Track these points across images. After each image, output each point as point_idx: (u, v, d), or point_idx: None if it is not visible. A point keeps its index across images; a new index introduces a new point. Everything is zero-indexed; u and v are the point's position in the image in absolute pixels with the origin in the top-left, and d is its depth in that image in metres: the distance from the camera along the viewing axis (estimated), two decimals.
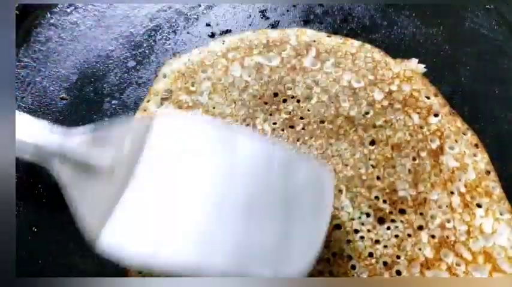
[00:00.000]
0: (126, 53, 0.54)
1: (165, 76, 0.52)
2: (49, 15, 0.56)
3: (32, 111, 0.51)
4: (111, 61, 0.54)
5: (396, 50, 0.54)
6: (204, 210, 0.38)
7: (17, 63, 0.52)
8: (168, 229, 0.37)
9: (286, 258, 0.37)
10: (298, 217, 0.39)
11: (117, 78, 0.53)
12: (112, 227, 0.36)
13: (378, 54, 0.52)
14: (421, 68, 0.52)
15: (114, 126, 0.41)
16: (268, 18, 0.56)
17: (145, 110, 0.50)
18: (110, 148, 0.40)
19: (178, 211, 0.38)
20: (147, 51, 0.54)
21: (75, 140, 0.41)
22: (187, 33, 0.55)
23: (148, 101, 0.50)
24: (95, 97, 0.52)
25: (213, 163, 0.40)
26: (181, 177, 0.39)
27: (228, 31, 0.55)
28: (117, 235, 0.36)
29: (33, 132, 0.41)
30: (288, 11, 0.57)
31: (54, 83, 0.52)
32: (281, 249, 0.37)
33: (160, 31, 0.56)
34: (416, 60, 0.52)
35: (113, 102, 0.52)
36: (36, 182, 0.47)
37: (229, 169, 0.39)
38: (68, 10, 0.57)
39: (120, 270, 0.42)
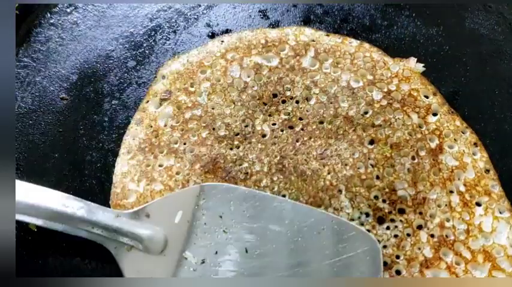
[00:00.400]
0: (126, 53, 0.54)
1: (163, 77, 0.52)
2: (49, 15, 0.56)
3: (32, 111, 0.51)
4: (111, 61, 0.54)
5: (396, 50, 0.54)
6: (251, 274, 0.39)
7: (17, 63, 0.52)
8: None
9: None
10: None
11: (117, 78, 0.53)
12: None
13: (376, 54, 0.52)
14: (420, 67, 0.52)
15: (159, 201, 0.42)
16: (268, 18, 0.56)
17: (144, 111, 0.50)
18: (160, 223, 0.41)
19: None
20: (147, 51, 0.54)
21: (127, 217, 0.41)
22: (187, 33, 0.56)
23: (147, 102, 0.50)
24: (95, 97, 0.52)
25: (261, 234, 0.41)
26: (231, 251, 0.40)
27: (227, 31, 0.55)
28: None
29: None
30: (288, 10, 0.57)
31: (54, 83, 0.52)
32: None
33: (160, 31, 0.56)
34: (415, 59, 0.52)
35: (113, 102, 0.52)
36: None
37: (276, 241, 0.40)
38: (68, 10, 0.57)
39: (119, 270, 0.42)
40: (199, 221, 0.41)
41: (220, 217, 0.41)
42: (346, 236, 0.41)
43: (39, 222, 0.41)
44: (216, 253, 0.41)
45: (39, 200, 0.40)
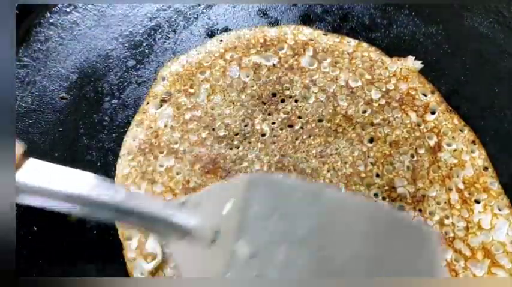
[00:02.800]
0: (125, 52, 0.54)
1: (163, 79, 0.52)
2: (49, 14, 0.56)
3: (32, 111, 0.51)
4: (110, 60, 0.54)
5: (396, 48, 0.54)
6: (309, 270, 0.36)
7: (17, 63, 0.52)
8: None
9: None
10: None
11: (117, 77, 0.53)
12: None
13: (374, 53, 0.53)
14: (418, 64, 0.52)
15: (208, 192, 0.41)
16: (267, 17, 0.57)
17: (144, 112, 0.50)
18: (209, 213, 0.39)
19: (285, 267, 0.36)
20: (146, 51, 0.54)
21: (177, 209, 0.39)
22: (187, 32, 0.56)
23: (147, 104, 0.51)
24: (95, 96, 0.52)
25: (308, 224, 0.37)
26: (284, 240, 0.36)
27: (227, 30, 0.56)
28: None
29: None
30: (287, 9, 0.57)
31: (54, 82, 0.52)
32: None
33: (160, 30, 0.56)
34: (413, 57, 0.52)
35: (113, 101, 0.52)
36: None
37: (327, 229, 0.37)
38: (68, 9, 0.57)
39: (120, 270, 0.43)
40: (248, 213, 0.38)
41: (269, 208, 0.38)
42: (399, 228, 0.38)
43: (83, 210, 0.38)
44: (271, 243, 0.37)
45: (80, 188, 0.38)
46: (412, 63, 0.52)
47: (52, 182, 0.38)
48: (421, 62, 0.52)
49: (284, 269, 0.36)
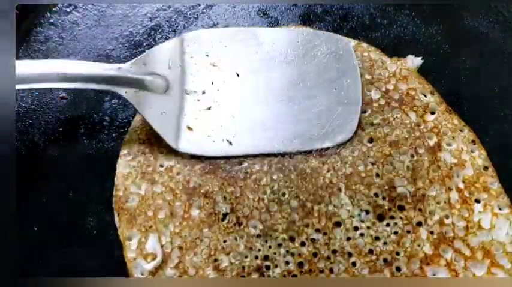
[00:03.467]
0: (125, 52, 0.54)
1: None
2: (49, 14, 0.56)
3: (32, 111, 0.51)
4: (111, 60, 0.54)
5: (396, 48, 0.54)
6: (254, 100, 0.48)
7: None
8: (232, 123, 0.47)
9: (337, 126, 0.47)
10: (334, 90, 0.48)
11: None
12: (186, 137, 0.46)
13: (374, 53, 0.53)
14: (418, 60, 0.52)
15: (152, 51, 0.48)
16: (267, 17, 0.57)
17: None
18: (159, 68, 0.47)
19: (235, 106, 0.48)
20: (147, 51, 0.54)
21: (128, 67, 0.47)
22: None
23: None
24: (95, 96, 0.52)
25: (247, 59, 0.49)
26: (225, 78, 0.49)
27: None
28: (192, 141, 0.46)
29: (95, 67, 0.46)
30: (287, 9, 0.57)
31: None
32: (330, 120, 0.47)
33: (160, 30, 0.56)
34: (412, 56, 0.52)
35: (113, 101, 0.52)
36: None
37: (261, 60, 0.49)
38: (68, 9, 0.57)
39: (120, 270, 0.42)
40: (189, 62, 0.49)
41: (207, 55, 0.49)
42: (318, 42, 0.51)
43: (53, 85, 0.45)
44: (212, 83, 0.49)
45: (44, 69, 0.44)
46: (412, 61, 0.52)
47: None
48: (421, 58, 0.52)
49: (232, 97, 0.48)
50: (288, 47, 0.50)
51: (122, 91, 0.46)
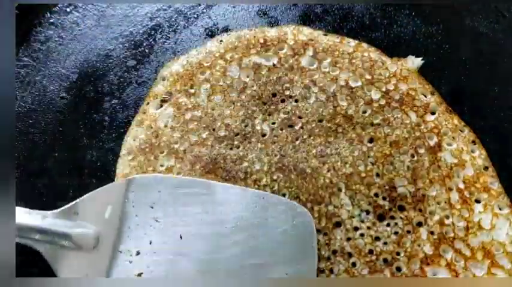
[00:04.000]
0: (126, 52, 0.54)
1: (163, 79, 0.52)
2: (49, 14, 0.56)
3: (32, 111, 0.51)
4: (111, 60, 0.54)
5: (396, 48, 0.54)
6: (193, 273, 0.40)
7: (17, 63, 0.52)
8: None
9: None
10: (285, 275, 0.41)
11: (117, 77, 0.53)
12: None
13: (374, 54, 0.53)
14: (418, 61, 0.52)
15: (89, 197, 0.42)
16: (267, 17, 0.57)
17: (144, 113, 0.50)
18: (92, 219, 0.41)
19: (169, 278, 0.40)
20: (147, 51, 0.54)
21: (54, 217, 0.41)
22: (187, 32, 0.56)
23: (147, 104, 0.51)
24: (95, 96, 0.52)
25: (194, 220, 0.42)
26: (166, 239, 0.41)
27: (227, 30, 0.56)
28: None
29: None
30: (287, 9, 0.57)
31: (54, 82, 0.53)
32: None
33: (160, 30, 0.56)
34: (413, 57, 0.52)
35: (113, 101, 0.52)
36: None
37: (209, 224, 0.42)
38: (68, 9, 0.57)
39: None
40: (130, 213, 0.42)
41: (151, 207, 0.42)
42: (275, 214, 0.43)
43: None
44: (151, 243, 0.41)
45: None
46: (412, 61, 0.52)
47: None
48: (421, 58, 0.52)
49: (168, 265, 0.41)
50: (243, 211, 0.42)
51: (41, 248, 0.40)
